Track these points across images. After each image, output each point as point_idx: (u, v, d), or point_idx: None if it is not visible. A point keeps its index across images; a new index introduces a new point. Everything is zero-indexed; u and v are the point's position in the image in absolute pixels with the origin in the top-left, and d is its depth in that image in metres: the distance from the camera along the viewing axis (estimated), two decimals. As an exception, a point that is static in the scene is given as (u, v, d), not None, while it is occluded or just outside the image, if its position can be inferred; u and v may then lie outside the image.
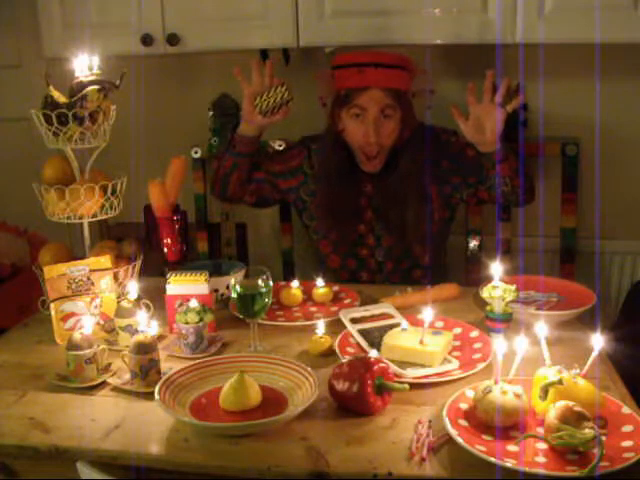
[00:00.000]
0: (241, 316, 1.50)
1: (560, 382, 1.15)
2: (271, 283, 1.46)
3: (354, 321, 1.56)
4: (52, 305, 1.56)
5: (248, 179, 1.96)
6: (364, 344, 1.46)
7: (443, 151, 1.93)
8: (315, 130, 2.02)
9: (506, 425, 1.14)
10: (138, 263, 1.71)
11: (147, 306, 1.57)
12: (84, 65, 1.61)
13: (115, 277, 1.64)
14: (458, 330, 1.53)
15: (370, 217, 1.97)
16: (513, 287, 1.46)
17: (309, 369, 1.29)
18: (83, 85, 1.59)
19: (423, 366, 1.36)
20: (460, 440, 1.08)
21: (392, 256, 1.99)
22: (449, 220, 2.05)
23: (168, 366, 1.39)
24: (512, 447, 1.09)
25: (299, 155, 2.01)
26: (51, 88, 1.59)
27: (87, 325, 1.43)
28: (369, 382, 1.21)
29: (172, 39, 2.12)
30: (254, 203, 2.04)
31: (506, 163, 1.77)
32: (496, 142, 1.73)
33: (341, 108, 1.88)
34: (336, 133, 1.92)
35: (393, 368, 1.32)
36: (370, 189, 1.96)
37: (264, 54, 2.36)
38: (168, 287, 1.58)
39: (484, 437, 1.12)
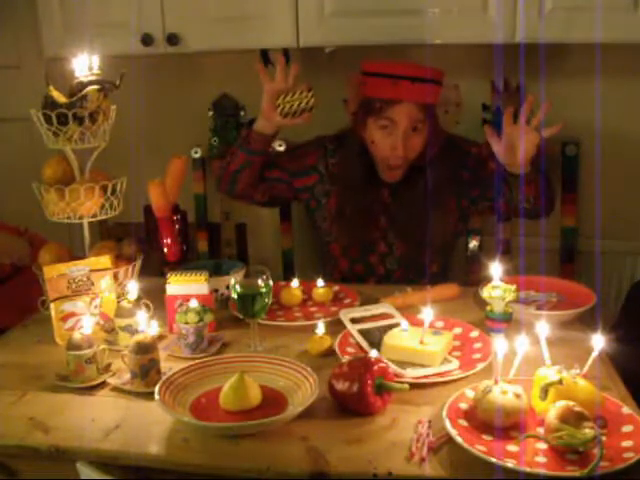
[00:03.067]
0: (241, 316, 1.50)
1: (560, 382, 1.15)
2: (271, 283, 1.46)
3: (354, 321, 1.56)
4: (52, 305, 1.55)
5: (260, 178, 1.92)
6: (364, 344, 1.46)
7: (464, 163, 1.92)
8: (315, 130, 2.02)
9: (506, 425, 1.14)
10: (138, 263, 1.71)
11: (147, 306, 1.57)
12: (84, 65, 1.61)
13: (115, 277, 1.63)
14: (458, 330, 1.53)
15: (384, 224, 1.95)
16: (513, 287, 1.46)
17: (309, 369, 1.29)
18: (83, 85, 1.59)
19: (423, 366, 1.36)
20: (460, 440, 1.08)
21: (402, 264, 1.98)
22: (461, 231, 2.06)
23: (168, 366, 1.39)
24: (512, 447, 1.09)
25: (314, 154, 1.98)
26: (51, 88, 1.59)
27: (87, 325, 1.43)
28: (369, 382, 1.21)
29: (172, 39, 2.11)
30: (265, 202, 2.01)
31: (532, 184, 1.74)
32: (526, 165, 1.69)
33: (368, 116, 1.85)
34: (360, 139, 1.90)
35: (393, 368, 1.32)
36: (387, 197, 1.94)
37: (264, 54, 2.36)
38: (168, 287, 1.58)
39: (484, 437, 1.12)
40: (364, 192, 1.92)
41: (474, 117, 2.36)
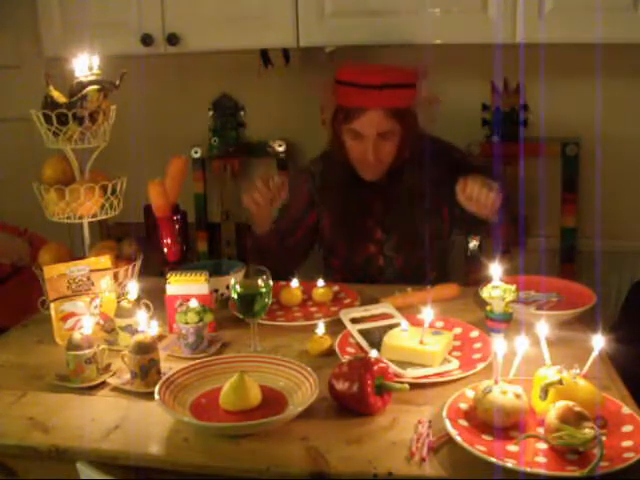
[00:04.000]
0: (241, 316, 1.50)
1: (560, 382, 1.15)
2: (271, 283, 1.46)
3: (354, 321, 1.56)
4: (52, 305, 1.55)
5: (288, 253, 1.95)
6: (364, 344, 1.46)
7: (454, 169, 1.87)
8: (316, 129, 2.02)
9: (506, 425, 1.13)
10: (138, 263, 1.71)
11: (147, 306, 1.57)
12: (84, 65, 1.61)
13: (115, 277, 1.63)
14: (458, 330, 1.53)
15: (380, 237, 1.95)
16: (513, 287, 1.46)
17: (309, 369, 1.29)
18: (83, 85, 1.59)
19: (423, 366, 1.36)
20: (460, 440, 1.08)
21: (400, 274, 1.97)
22: (456, 238, 2.06)
23: (168, 366, 1.39)
24: (512, 447, 1.09)
25: (304, 183, 1.99)
26: (51, 88, 1.59)
27: (87, 325, 1.43)
28: (369, 382, 1.21)
29: (172, 39, 2.12)
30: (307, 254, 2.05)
31: (504, 228, 1.78)
32: (492, 214, 1.72)
33: (341, 125, 1.84)
34: (338, 147, 1.89)
35: (393, 368, 1.32)
36: (379, 208, 1.93)
37: (264, 54, 2.37)
38: (168, 287, 1.58)
39: (484, 437, 1.12)
40: (353, 197, 1.92)
41: (474, 117, 2.36)
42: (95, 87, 1.59)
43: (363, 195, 1.93)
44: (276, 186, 1.75)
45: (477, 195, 1.66)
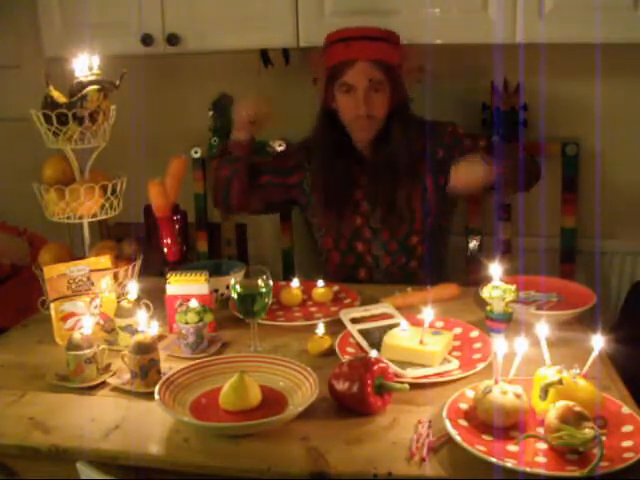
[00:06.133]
0: (241, 316, 1.50)
1: (560, 382, 1.15)
2: (271, 283, 1.46)
3: (354, 321, 1.57)
4: (52, 305, 1.55)
5: (251, 186, 1.99)
6: (364, 344, 1.46)
7: (438, 140, 1.93)
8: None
9: (506, 425, 1.14)
10: (138, 263, 1.71)
11: (147, 306, 1.57)
12: (84, 65, 1.62)
13: (115, 277, 1.64)
14: (458, 330, 1.53)
15: (366, 209, 1.98)
16: (513, 287, 1.46)
17: (309, 369, 1.29)
18: (83, 85, 1.59)
19: (423, 366, 1.36)
20: (460, 440, 1.08)
21: (388, 250, 1.99)
22: (448, 214, 2.06)
23: (168, 366, 1.39)
24: (512, 447, 1.09)
25: (298, 153, 2.03)
26: (51, 88, 1.59)
27: (87, 325, 1.43)
28: (369, 382, 1.21)
29: (172, 39, 2.12)
30: (263, 209, 2.09)
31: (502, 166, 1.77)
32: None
33: (332, 84, 1.89)
34: (329, 112, 1.94)
35: (393, 368, 1.32)
36: (364, 179, 1.97)
37: (264, 54, 2.37)
38: (168, 287, 1.58)
39: (484, 437, 1.12)
40: (340, 161, 1.96)
41: (474, 117, 2.36)
42: (95, 87, 1.59)
43: (350, 167, 1.96)
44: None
45: (467, 178, 1.73)
